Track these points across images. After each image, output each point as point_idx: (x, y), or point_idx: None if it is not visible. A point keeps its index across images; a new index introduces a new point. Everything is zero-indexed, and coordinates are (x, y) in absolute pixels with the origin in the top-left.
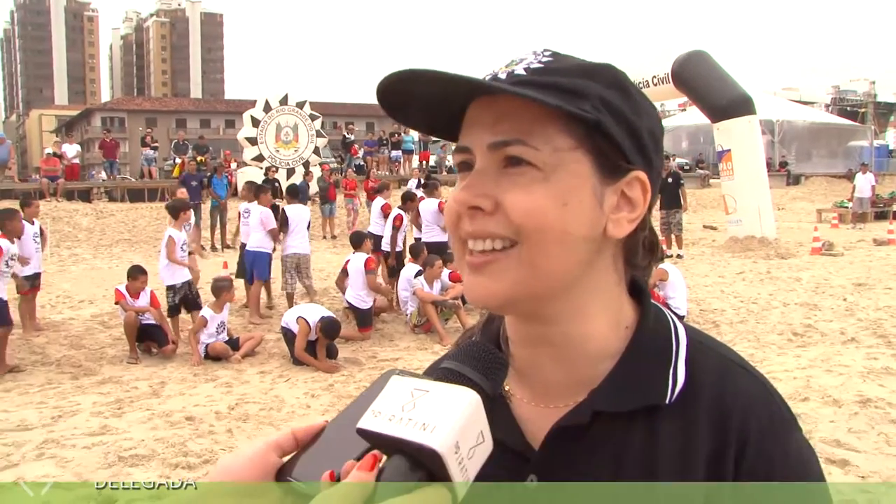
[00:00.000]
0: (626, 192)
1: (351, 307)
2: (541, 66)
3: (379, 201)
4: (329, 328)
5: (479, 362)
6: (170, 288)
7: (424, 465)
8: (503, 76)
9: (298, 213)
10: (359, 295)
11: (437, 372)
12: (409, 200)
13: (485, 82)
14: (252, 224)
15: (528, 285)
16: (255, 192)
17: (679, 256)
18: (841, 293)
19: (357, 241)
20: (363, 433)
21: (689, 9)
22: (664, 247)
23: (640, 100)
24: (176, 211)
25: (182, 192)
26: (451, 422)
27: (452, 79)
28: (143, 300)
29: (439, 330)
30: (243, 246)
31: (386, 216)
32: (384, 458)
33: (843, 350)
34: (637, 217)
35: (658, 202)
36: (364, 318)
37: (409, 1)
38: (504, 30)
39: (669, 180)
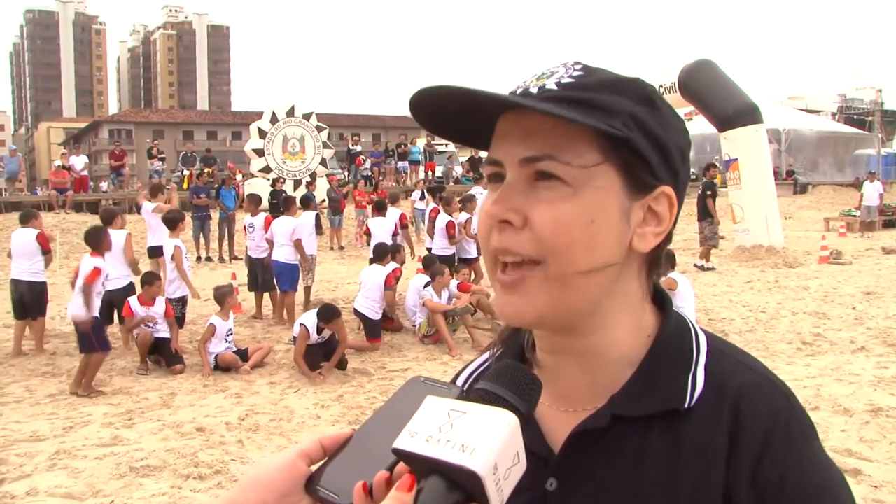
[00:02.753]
0: (652, 207)
1: (360, 316)
2: (571, 80)
3: (395, 211)
4: (325, 312)
5: (515, 383)
6: (178, 300)
7: (462, 486)
8: (534, 90)
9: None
10: (371, 306)
11: (473, 393)
12: (469, 202)
13: (517, 100)
14: (282, 236)
15: (559, 302)
16: (282, 204)
17: (709, 269)
18: (850, 302)
19: (380, 253)
20: (399, 453)
21: (695, 18)
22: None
23: (669, 114)
24: (175, 223)
25: (121, 220)
26: (491, 444)
27: (483, 96)
28: (159, 306)
29: (448, 340)
30: (250, 259)
31: (404, 226)
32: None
33: (853, 359)
34: (663, 231)
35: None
36: (373, 329)
37: (416, 13)
38: (508, 41)
39: (698, 191)
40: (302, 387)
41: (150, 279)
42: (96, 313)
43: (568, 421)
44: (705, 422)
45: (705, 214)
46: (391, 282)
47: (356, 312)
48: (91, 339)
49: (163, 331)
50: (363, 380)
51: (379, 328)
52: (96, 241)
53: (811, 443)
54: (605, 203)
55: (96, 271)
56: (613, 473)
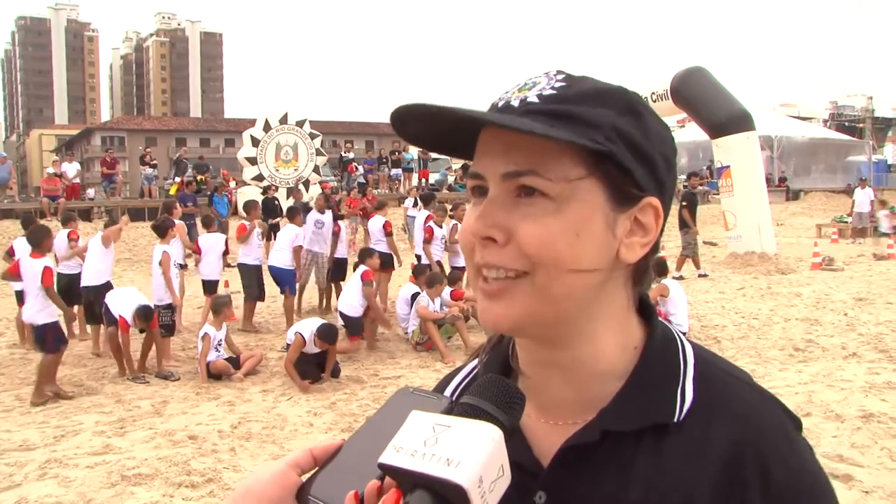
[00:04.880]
0: (638, 218)
1: (342, 315)
2: (554, 92)
3: (378, 220)
4: (325, 333)
5: (498, 397)
6: (167, 307)
7: (447, 499)
8: (516, 103)
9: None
10: (351, 304)
11: (458, 407)
12: (457, 210)
13: (494, 118)
14: (283, 243)
15: (540, 312)
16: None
17: (677, 277)
18: (841, 308)
19: (364, 256)
20: (385, 468)
21: (687, 25)
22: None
23: (653, 122)
24: (163, 230)
25: (178, 210)
26: (476, 457)
27: (461, 114)
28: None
29: (441, 348)
30: (242, 266)
31: (388, 234)
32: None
33: (845, 365)
34: (650, 241)
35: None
36: (354, 327)
37: (409, 20)
38: (501, 47)
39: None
40: (294, 395)
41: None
42: (56, 317)
43: (556, 434)
44: (696, 434)
45: (684, 224)
46: (368, 277)
47: (340, 314)
48: (48, 339)
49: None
50: (356, 387)
51: (359, 326)
52: (37, 241)
53: (807, 446)
54: (589, 217)
55: (49, 271)
56: (604, 488)
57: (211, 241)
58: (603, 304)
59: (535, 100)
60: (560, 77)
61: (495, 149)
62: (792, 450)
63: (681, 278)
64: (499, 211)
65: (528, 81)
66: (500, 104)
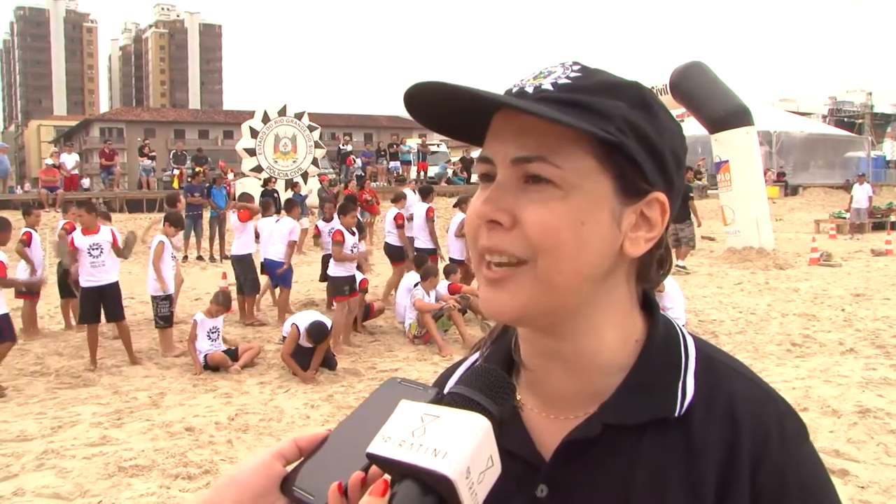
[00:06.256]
0: (644, 212)
1: (329, 279)
2: (568, 81)
3: (391, 211)
4: (315, 331)
5: (488, 387)
6: (164, 298)
7: (435, 490)
8: (530, 90)
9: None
10: (330, 265)
11: (447, 397)
12: (463, 203)
13: (509, 100)
14: (278, 235)
15: (542, 301)
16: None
17: (682, 268)
18: (839, 304)
19: (340, 211)
20: (373, 458)
21: (686, 20)
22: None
23: (665, 118)
24: (165, 221)
25: (182, 203)
26: (463, 448)
27: (476, 94)
28: (105, 234)
29: (438, 341)
30: (239, 257)
31: (399, 226)
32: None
33: (842, 360)
34: (654, 237)
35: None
36: (336, 288)
37: (409, 12)
38: (501, 41)
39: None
40: (292, 387)
41: (88, 208)
42: (6, 310)
43: (558, 427)
44: (697, 429)
45: (684, 217)
46: (337, 237)
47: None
48: (3, 330)
49: (110, 269)
50: (353, 380)
51: (339, 286)
52: None
53: (806, 444)
54: (596, 207)
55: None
56: (605, 481)
57: (268, 225)
58: (605, 297)
59: (550, 87)
60: (576, 68)
61: (507, 133)
62: (788, 449)
63: (683, 268)
64: (506, 195)
65: (544, 70)
66: (515, 90)
